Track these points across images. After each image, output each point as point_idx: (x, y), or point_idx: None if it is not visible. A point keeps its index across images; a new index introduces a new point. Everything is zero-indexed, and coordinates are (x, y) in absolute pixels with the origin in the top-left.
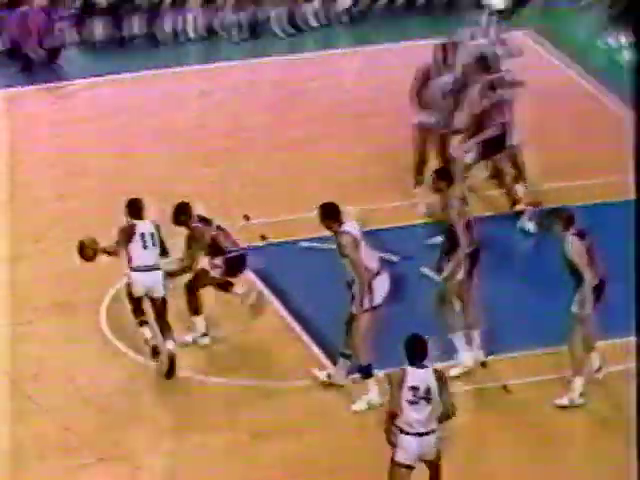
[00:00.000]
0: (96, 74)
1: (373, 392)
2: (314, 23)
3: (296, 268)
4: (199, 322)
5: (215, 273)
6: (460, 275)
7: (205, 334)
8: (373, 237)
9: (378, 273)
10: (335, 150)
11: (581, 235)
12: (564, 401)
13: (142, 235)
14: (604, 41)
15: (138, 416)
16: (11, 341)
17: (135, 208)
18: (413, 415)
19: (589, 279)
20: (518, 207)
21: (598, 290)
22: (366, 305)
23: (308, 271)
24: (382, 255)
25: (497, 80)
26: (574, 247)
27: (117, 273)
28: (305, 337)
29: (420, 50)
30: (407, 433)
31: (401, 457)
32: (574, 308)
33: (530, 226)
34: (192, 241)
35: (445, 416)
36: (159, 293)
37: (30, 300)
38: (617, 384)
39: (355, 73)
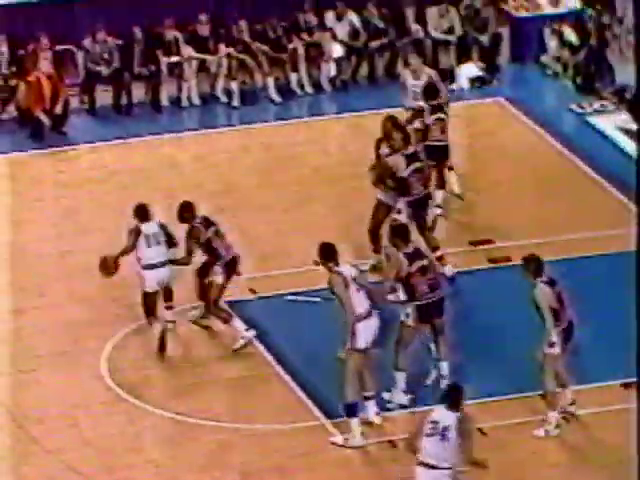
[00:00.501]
0: (99, 139)
1: (355, 433)
2: (301, 91)
3: (283, 319)
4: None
5: (218, 279)
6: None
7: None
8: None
9: (366, 317)
10: (320, 210)
11: (551, 283)
12: (540, 432)
13: (146, 237)
14: (570, 108)
15: (137, 457)
16: (17, 388)
17: (141, 212)
18: (427, 446)
19: (550, 323)
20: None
21: (567, 332)
22: (348, 345)
23: (294, 322)
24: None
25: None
26: (542, 293)
27: (116, 325)
28: (291, 383)
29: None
30: (419, 463)
31: None
32: (544, 348)
33: (448, 270)
34: (189, 237)
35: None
36: (169, 285)
37: (34, 349)
38: (593, 423)
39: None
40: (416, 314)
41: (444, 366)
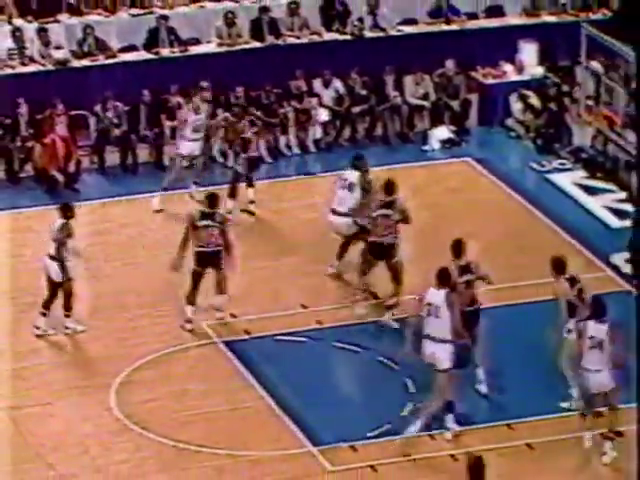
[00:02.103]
0: (108, 195)
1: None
2: (289, 152)
3: (274, 357)
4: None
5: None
6: None
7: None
8: (343, 330)
9: None
10: (306, 258)
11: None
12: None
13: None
14: (532, 166)
15: None
16: (35, 419)
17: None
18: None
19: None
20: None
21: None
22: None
23: (284, 360)
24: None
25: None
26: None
27: (123, 363)
28: (282, 414)
29: (381, 174)
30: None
31: None
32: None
33: (392, 323)
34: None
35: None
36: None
37: (50, 384)
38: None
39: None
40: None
41: (480, 372)
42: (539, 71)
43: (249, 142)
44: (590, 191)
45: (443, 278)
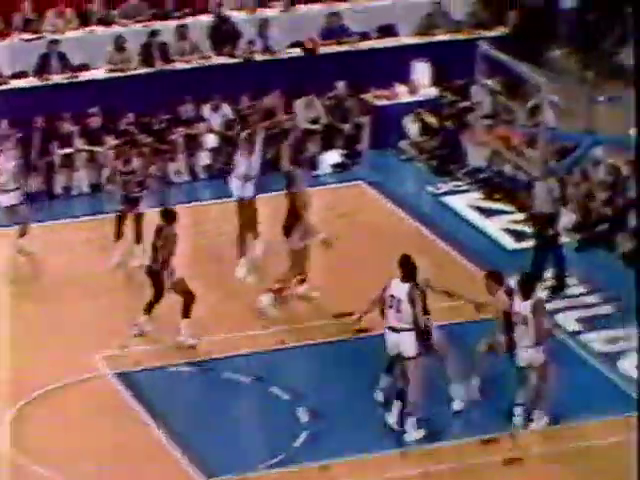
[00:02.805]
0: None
1: None
2: (178, 178)
3: (165, 390)
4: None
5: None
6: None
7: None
8: (236, 361)
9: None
10: (199, 286)
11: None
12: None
13: None
14: (426, 189)
15: None
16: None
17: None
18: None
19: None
20: None
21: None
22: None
23: (175, 392)
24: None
25: None
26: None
27: (13, 397)
28: (173, 449)
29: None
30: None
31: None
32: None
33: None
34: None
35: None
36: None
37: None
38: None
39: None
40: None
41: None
42: (433, 91)
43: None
44: (486, 213)
45: (408, 271)
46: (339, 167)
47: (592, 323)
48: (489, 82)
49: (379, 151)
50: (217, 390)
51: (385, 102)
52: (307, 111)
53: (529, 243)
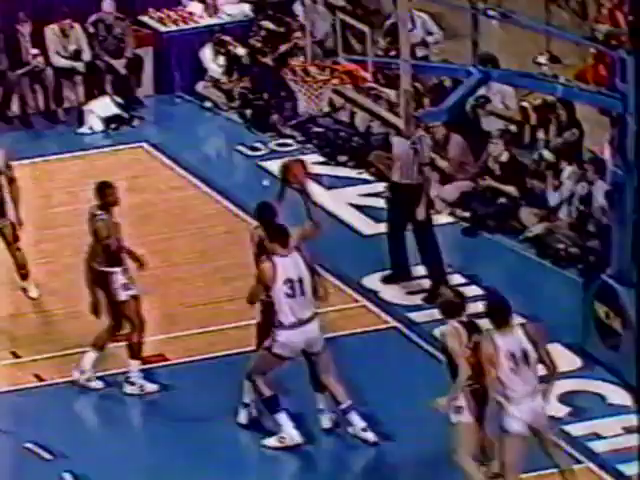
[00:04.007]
0: None
1: (287, 428)
2: None
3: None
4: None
5: None
6: None
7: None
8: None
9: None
10: None
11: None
12: None
13: None
14: (238, 149)
15: None
16: None
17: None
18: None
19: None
20: None
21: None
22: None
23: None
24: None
25: None
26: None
27: None
28: None
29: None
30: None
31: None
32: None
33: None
34: None
35: None
36: None
37: None
38: None
39: None
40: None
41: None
42: (243, 10)
43: None
44: (328, 183)
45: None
46: (114, 122)
47: None
48: None
49: (167, 97)
50: None
51: (173, 27)
52: (62, 42)
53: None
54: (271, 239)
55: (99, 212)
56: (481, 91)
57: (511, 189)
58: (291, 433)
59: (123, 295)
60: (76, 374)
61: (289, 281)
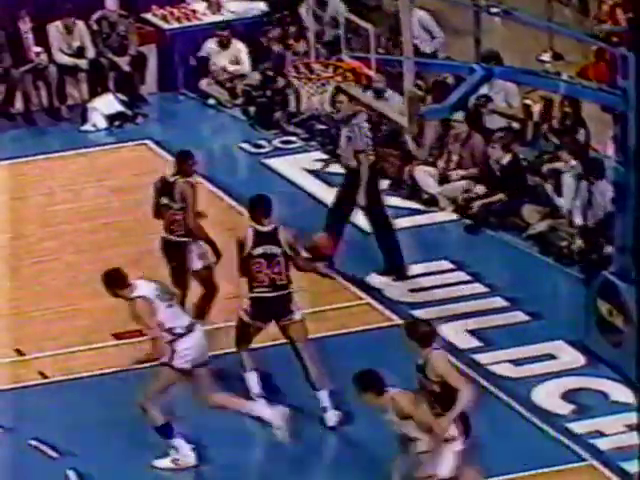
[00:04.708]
0: None
1: (183, 450)
2: None
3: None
4: None
5: None
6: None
7: None
8: None
9: (185, 333)
10: None
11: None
12: None
13: None
14: (241, 147)
15: None
16: None
17: None
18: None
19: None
20: None
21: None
22: (166, 359)
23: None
24: None
25: None
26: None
27: None
28: None
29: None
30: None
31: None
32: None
33: None
34: None
35: None
36: None
37: None
38: None
39: None
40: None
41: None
42: (245, 7)
43: None
44: (331, 180)
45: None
46: (117, 119)
47: (492, 337)
48: None
49: (171, 94)
50: None
51: (176, 25)
52: (66, 40)
53: (405, 221)
54: None
55: (181, 178)
56: (483, 89)
57: (501, 196)
58: (187, 455)
59: (199, 264)
60: None
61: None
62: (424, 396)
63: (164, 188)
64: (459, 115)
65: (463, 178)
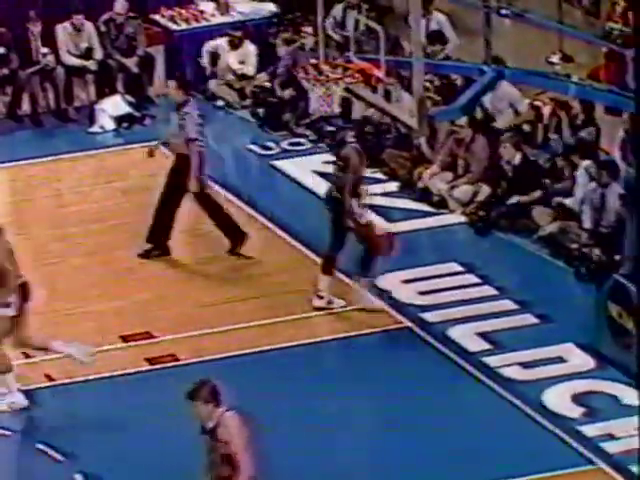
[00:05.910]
0: None
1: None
2: None
3: None
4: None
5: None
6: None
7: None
8: None
9: None
10: None
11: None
12: None
13: None
14: (250, 148)
15: None
16: None
17: None
18: None
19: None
20: None
21: None
22: None
23: None
24: None
25: None
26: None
27: None
28: None
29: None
30: None
31: None
32: None
33: None
34: None
35: None
36: None
37: None
38: None
39: None
40: None
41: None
42: (253, 8)
43: None
44: None
45: None
46: (125, 121)
47: (502, 340)
48: None
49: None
50: None
51: (184, 26)
52: (75, 40)
53: (415, 223)
54: None
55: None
56: (486, 97)
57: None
58: (19, 398)
59: (363, 219)
60: (317, 301)
61: None
62: (215, 459)
63: None
64: (462, 120)
65: (471, 182)
